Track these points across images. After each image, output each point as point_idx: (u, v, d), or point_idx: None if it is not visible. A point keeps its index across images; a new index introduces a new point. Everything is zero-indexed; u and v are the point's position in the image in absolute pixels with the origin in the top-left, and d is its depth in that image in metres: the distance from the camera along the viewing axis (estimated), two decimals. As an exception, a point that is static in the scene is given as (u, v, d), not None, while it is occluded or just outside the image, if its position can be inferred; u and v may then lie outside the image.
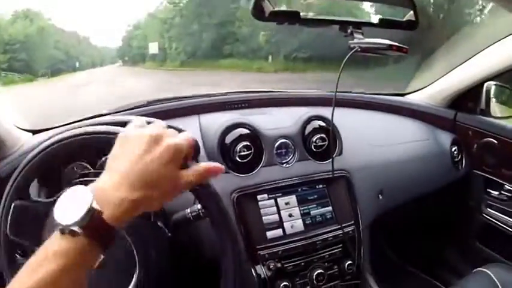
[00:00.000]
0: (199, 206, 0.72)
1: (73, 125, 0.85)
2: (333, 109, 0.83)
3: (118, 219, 0.40)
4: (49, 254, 0.37)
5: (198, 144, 0.86)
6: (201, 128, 0.91)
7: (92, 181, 0.92)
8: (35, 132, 1.04)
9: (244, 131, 0.89)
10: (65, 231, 0.38)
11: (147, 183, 0.42)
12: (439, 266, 1.17)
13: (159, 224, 0.76)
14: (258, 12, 0.79)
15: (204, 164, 0.47)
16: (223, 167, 0.49)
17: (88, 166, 0.91)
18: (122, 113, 0.98)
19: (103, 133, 0.59)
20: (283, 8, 0.85)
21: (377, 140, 1.02)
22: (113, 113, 0.99)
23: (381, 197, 0.98)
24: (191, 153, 0.48)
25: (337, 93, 0.91)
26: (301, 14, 0.85)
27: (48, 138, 0.62)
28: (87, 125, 0.64)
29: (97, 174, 0.88)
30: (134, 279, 0.59)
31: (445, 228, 1.20)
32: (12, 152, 0.90)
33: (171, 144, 0.43)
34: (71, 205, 0.39)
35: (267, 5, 0.81)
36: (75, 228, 0.38)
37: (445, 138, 1.14)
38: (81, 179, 0.91)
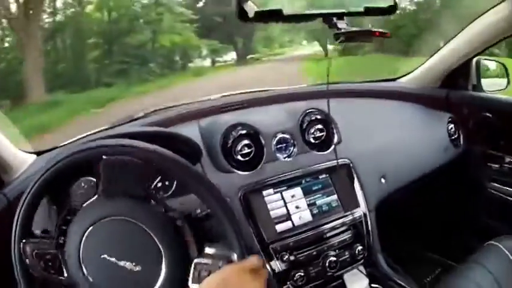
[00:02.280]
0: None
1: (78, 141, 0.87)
2: (328, 100, 0.86)
3: None
4: None
5: (200, 147, 0.89)
6: (201, 132, 0.94)
7: (98, 194, 0.93)
8: (39, 153, 1.07)
9: (244, 130, 0.92)
10: None
11: None
12: (448, 243, 1.18)
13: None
14: (242, 14, 0.83)
15: None
16: None
17: (95, 180, 0.95)
18: (123, 125, 1.00)
19: (114, 146, 0.62)
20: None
21: (374, 125, 1.04)
22: (114, 126, 1.02)
23: (383, 181, 1.00)
24: None
25: (330, 85, 0.95)
26: (284, 10, 0.88)
27: (57, 154, 0.65)
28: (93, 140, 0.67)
29: (104, 187, 0.90)
30: (163, 270, 0.60)
31: (451, 207, 1.21)
32: (19, 175, 0.92)
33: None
34: None
35: (250, 6, 0.84)
36: None
37: (441, 117, 1.17)
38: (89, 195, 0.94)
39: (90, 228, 0.61)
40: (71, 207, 0.97)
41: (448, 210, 1.20)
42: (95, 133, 1.04)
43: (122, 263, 0.58)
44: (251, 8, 0.85)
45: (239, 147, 0.90)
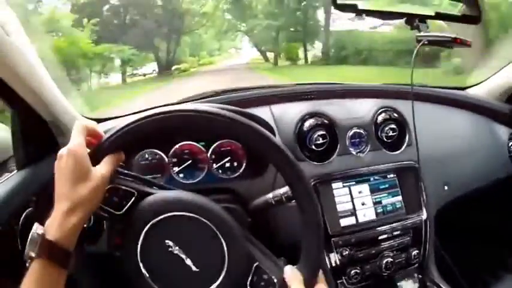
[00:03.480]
0: (281, 191, 0.73)
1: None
2: (412, 102, 0.85)
3: (64, 235, 0.48)
4: (25, 278, 0.47)
5: (274, 132, 0.87)
6: (274, 118, 0.92)
7: (166, 168, 0.92)
8: (99, 121, 1.05)
9: (320, 120, 0.90)
10: (26, 258, 0.47)
11: (67, 193, 0.49)
12: (500, 259, 1.17)
13: (237, 209, 0.77)
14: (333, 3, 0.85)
15: (107, 158, 0.54)
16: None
17: (161, 154, 0.93)
18: (192, 102, 0.99)
19: (197, 111, 0.55)
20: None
21: (441, 132, 1.03)
22: (183, 102, 1.00)
23: (446, 188, 0.99)
24: (91, 139, 0.56)
25: (403, 86, 0.93)
26: (359, 5, 0.88)
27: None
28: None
29: (170, 162, 0.87)
30: (226, 261, 0.56)
31: (504, 222, 1.20)
32: None
33: (65, 154, 0.51)
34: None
35: None
36: (32, 254, 0.47)
37: (503, 132, 1.15)
38: (153, 166, 0.93)
39: (156, 219, 0.55)
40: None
41: (501, 226, 1.19)
42: (160, 106, 1.01)
43: (182, 256, 0.55)
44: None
45: (314, 137, 0.88)
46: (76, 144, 0.52)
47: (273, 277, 0.55)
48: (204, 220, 0.56)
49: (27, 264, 0.47)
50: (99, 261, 0.79)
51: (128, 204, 0.57)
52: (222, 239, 0.55)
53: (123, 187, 0.57)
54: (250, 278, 0.56)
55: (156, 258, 0.55)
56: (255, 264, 0.56)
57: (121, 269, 0.58)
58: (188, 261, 0.55)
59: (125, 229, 0.57)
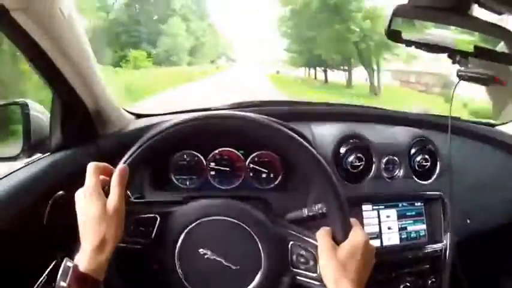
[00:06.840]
0: (317, 208, 0.75)
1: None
2: (449, 134, 0.87)
3: (94, 267, 0.52)
4: None
5: (311, 142, 0.89)
6: (314, 136, 0.94)
7: (203, 171, 0.93)
8: (138, 116, 1.07)
9: (358, 143, 0.93)
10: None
11: (93, 232, 0.53)
12: None
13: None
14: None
15: (114, 178, 0.56)
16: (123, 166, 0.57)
17: (200, 156, 0.96)
18: (234, 109, 1.01)
19: (231, 117, 0.57)
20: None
21: (470, 166, 1.05)
22: (225, 108, 1.02)
23: (468, 221, 1.02)
24: (104, 179, 0.57)
25: (439, 117, 0.95)
26: (403, 35, 0.90)
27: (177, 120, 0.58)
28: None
29: (208, 166, 0.88)
30: (261, 250, 0.58)
31: None
32: (116, 130, 0.94)
33: (82, 195, 0.55)
34: None
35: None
36: (63, 284, 0.51)
37: None
38: (191, 167, 0.95)
39: (196, 222, 0.58)
40: (170, 177, 0.97)
41: None
42: (199, 110, 1.03)
43: (220, 259, 0.57)
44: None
45: (350, 158, 0.91)
46: (90, 185, 0.55)
47: (309, 249, 0.57)
48: (226, 218, 0.58)
49: None
50: None
51: (155, 229, 0.59)
52: (250, 230, 0.57)
53: (145, 215, 0.60)
54: (290, 259, 0.58)
55: (196, 269, 0.57)
56: (290, 244, 0.58)
57: None
58: (226, 262, 0.57)
59: (159, 253, 0.59)
